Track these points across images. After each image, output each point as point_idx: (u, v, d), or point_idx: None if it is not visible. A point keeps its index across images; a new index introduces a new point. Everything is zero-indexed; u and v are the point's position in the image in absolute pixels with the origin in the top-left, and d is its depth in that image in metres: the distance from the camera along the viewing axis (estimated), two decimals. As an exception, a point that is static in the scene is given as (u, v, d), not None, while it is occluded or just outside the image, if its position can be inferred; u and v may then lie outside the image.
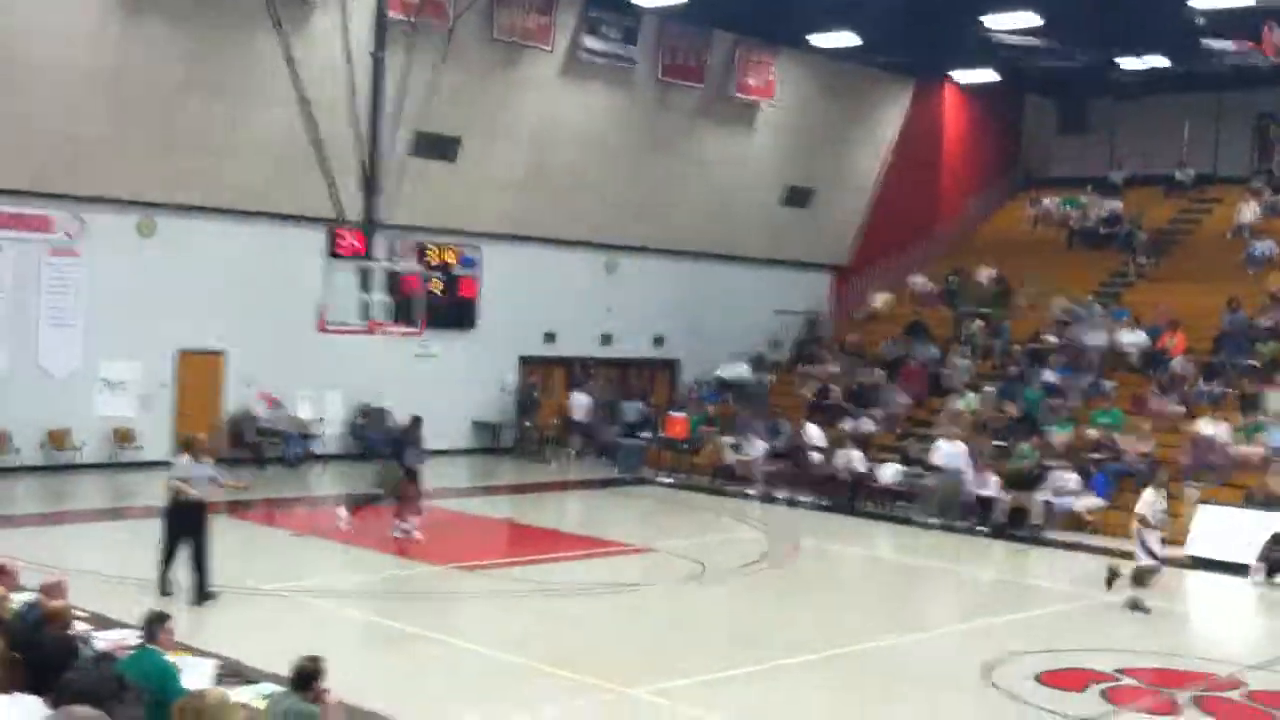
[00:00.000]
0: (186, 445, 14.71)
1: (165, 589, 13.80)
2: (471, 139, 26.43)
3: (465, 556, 17.62)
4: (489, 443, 28.39)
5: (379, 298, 23.88)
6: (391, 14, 24.27)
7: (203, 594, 13.79)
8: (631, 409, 28.94)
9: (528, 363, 29.14)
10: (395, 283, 24.63)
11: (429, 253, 26.82)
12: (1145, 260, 29.84)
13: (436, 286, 26.66)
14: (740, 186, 30.81)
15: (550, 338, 29.23)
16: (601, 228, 29.08)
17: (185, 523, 13.95)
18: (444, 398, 26.63)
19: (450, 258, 27.38)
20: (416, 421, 19.39)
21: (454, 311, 27.26)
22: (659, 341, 31.08)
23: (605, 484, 25.63)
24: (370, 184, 25.19)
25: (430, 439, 26.48)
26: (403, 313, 23.38)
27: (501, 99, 26.56)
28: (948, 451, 22.30)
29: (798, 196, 32.21)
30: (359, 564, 16.98)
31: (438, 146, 25.97)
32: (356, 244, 25.45)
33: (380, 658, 12.74)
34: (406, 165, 25.09)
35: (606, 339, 30.12)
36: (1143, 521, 15.65)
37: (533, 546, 19.37)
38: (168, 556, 13.98)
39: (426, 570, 16.64)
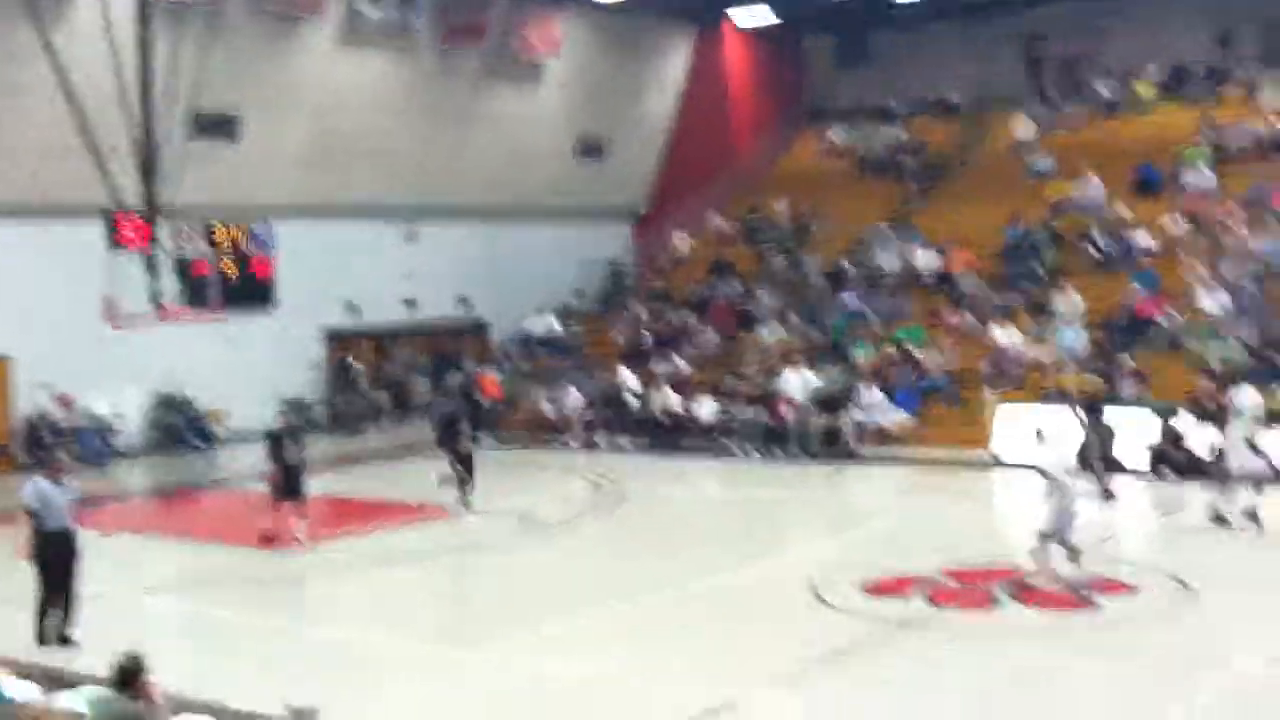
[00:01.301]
0: (43, 466, 12.77)
1: (44, 638, 11.91)
2: (253, 115, 25.65)
3: (289, 536, 17.19)
4: (300, 419, 27.70)
5: (169, 284, 23.15)
6: (156, -7, 23.41)
7: (65, 638, 11.96)
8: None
9: (334, 336, 28.58)
10: (185, 267, 23.91)
11: (217, 233, 25.99)
12: (921, 185, 30.72)
13: (229, 267, 25.87)
14: (533, 142, 30.65)
15: (353, 309, 28.68)
16: (396, 195, 28.57)
17: (57, 559, 12.00)
18: (249, 379, 25.98)
19: (240, 236, 26.56)
20: (291, 434, 17.27)
21: (251, 291, 26.47)
22: (464, 303, 30.80)
23: (424, 450, 25.30)
24: (148, 169, 24.27)
25: (240, 421, 26.11)
26: (196, 297, 22.71)
27: (280, 72, 25.85)
28: (795, 382, 22.60)
29: (591, 148, 32.21)
30: (177, 555, 16.45)
31: (218, 125, 25.12)
32: (139, 231, 24.61)
33: (209, 647, 12.37)
34: (187, 147, 24.29)
35: (411, 305, 29.71)
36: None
37: (359, 519, 19.01)
38: (44, 603, 11.98)
39: (251, 554, 16.21)
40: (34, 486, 12.09)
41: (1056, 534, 12.84)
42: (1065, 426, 19.05)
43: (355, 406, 28.19)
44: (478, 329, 31.22)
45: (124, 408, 25.10)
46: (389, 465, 23.99)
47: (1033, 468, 13.19)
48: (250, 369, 26.06)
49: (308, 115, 26.49)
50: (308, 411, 27.76)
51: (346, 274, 28.04)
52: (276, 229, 26.95)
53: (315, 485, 21.91)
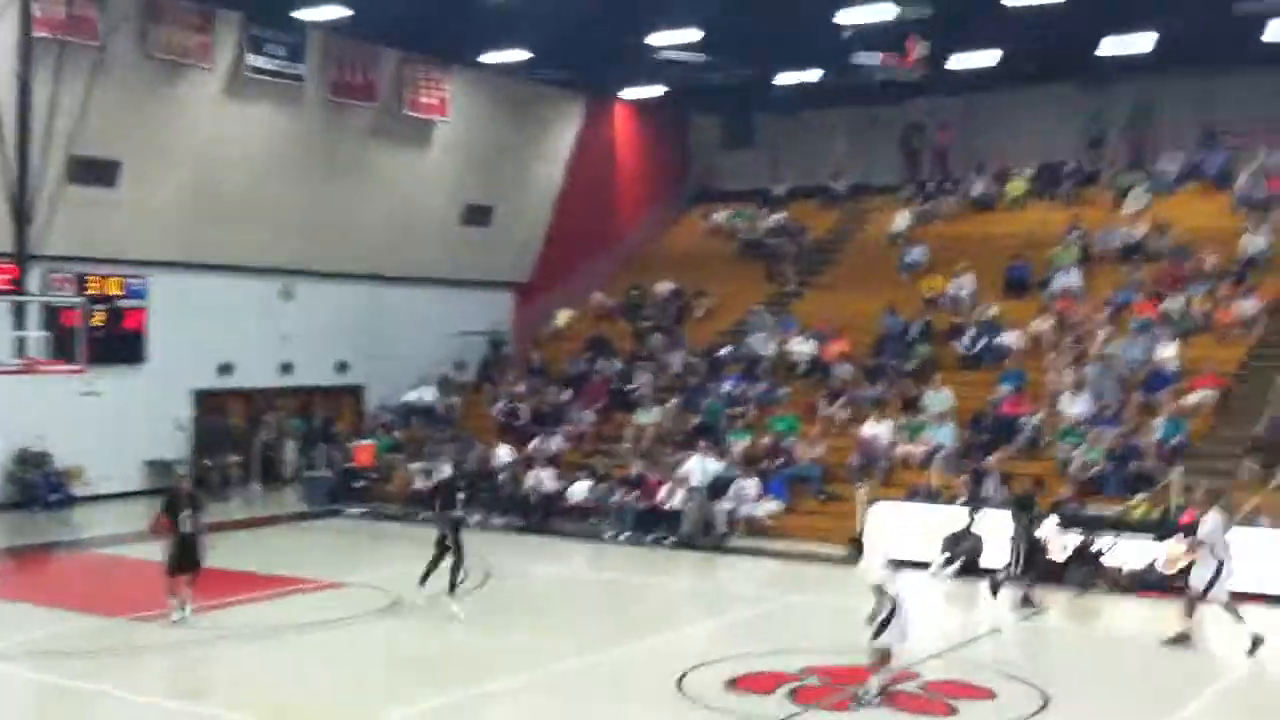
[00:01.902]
0: None
1: None
2: (133, 162, 25.23)
3: (142, 606, 16.72)
4: (163, 482, 27.00)
5: (35, 334, 22.54)
6: (37, 32, 23.00)
7: None
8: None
9: (204, 396, 27.96)
10: (53, 317, 23.30)
11: (90, 284, 25.42)
12: (797, 272, 31.24)
13: (99, 319, 25.29)
14: (418, 206, 30.57)
15: (227, 369, 28.12)
16: (275, 252, 28.20)
17: None
18: (113, 437, 25.36)
19: (114, 288, 26.01)
20: (189, 499, 16.22)
21: (121, 345, 25.91)
22: (342, 368, 30.40)
23: (292, 519, 24.89)
24: (21, 213, 23.77)
25: (98, 482, 25.39)
26: (63, 348, 22.10)
27: (163, 120, 25.48)
28: (696, 468, 22.60)
29: (477, 215, 32.20)
30: (18, 620, 15.86)
31: (96, 171, 24.69)
32: (7, 277, 23.96)
33: (57, 718, 11.95)
34: (62, 192, 23.80)
35: (287, 368, 29.24)
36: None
37: (216, 589, 18.49)
38: None
39: (97, 623, 15.71)
40: None
41: (893, 646, 12.66)
42: (910, 526, 19.48)
43: (224, 471, 27.56)
44: (354, 394, 30.83)
45: (-22, 461, 24.31)
46: (256, 533, 23.49)
47: (873, 587, 12.68)
48: (114, 426, 25.42)
49: (190, 165, 26.13)
50: (172, 474, 27.10)
51: (221, 332, 27.54)
52: (151, 282, 26.44)
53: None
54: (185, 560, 15.50)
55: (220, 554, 21.21)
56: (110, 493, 25.53)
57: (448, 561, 16.94)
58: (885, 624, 12.40)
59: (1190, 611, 15.03)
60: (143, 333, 26.47)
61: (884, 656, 12.55)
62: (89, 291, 25.25)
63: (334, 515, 25.12)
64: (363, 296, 30.24)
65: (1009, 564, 17.43)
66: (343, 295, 29.87)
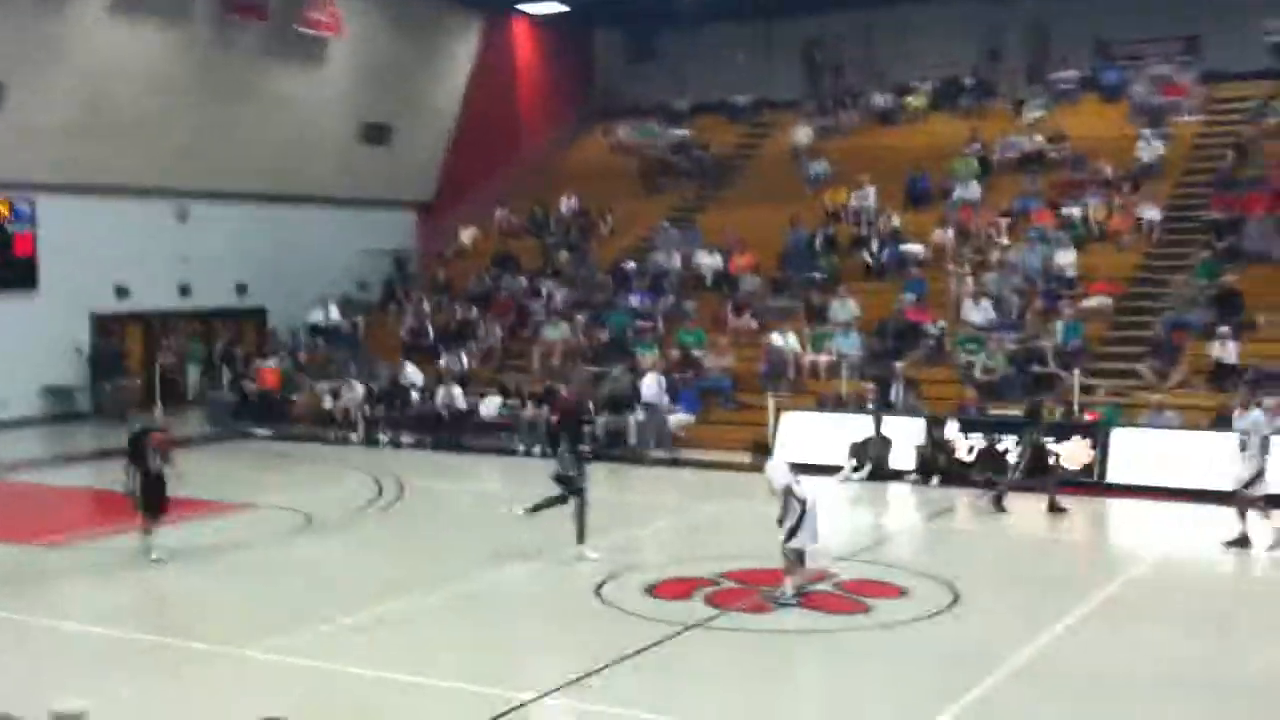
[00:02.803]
0: None
1: None
2: (17, 83, 24.38)
3: (49, 531, 16.44)
4: (64, 408, 26.52)
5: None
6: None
7: None
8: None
9: (102, 320, 27.35)
10: (-61, 244, 22.58)
11: (-28, 208, 24.66)
12: (704, 186, 31.29)
13: (-12, 244, 24.60)
14: (315, 125, 29.97)
15: (123, 293, 27.49)
16: (169, 173, 27.52)
17: None
18: (9, 363, 24.76)
19: (1, 212, 25.21)
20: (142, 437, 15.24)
21: (10, 270, 25.25)
22: (242, 290, 29.87)
23: (196, 442, 24.53)
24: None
25: (-3, 409, 24.83)
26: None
27: (47, 39, 24.63)
28: (649, 384, 22.51)
29: (376, 134, 31.66)
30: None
31: (-21, 92, 23.81)
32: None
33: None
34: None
35: (185, 291, 28.66)
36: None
37: (125, 515, 18.26)
38: None
39: (9, 549, 15.41)
40: None
41: (805, 548, 12.72)
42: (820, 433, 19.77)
43: (123, 395, 27.04)
44: (256, 316, 30.34)
45: None
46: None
47: (782, 490, 12.61)
48: (10, 353, 24.77)
49: (76, 85, 25.31)
50: (71, 400, 26.61)
51: (115, 255, 26.90)
52: (41, 205, 25.70)
53: (80, 478, 21.19)
54: (153, 499, 14.87)
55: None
56: (8, 419, 24.95)
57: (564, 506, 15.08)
58: (796, 527, 12.54)
59: (1243, 513, 15.07)
60: (33, 257, 25.74)
61: (798, 558, 12.73)
62: (-27, 216, 24.51)
63: (241, 438, 24.81)
64: (262, 218, 29.67)
65: (1012, 471, 17.70)
66: (241, 216, 29.28)
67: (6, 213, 25.35)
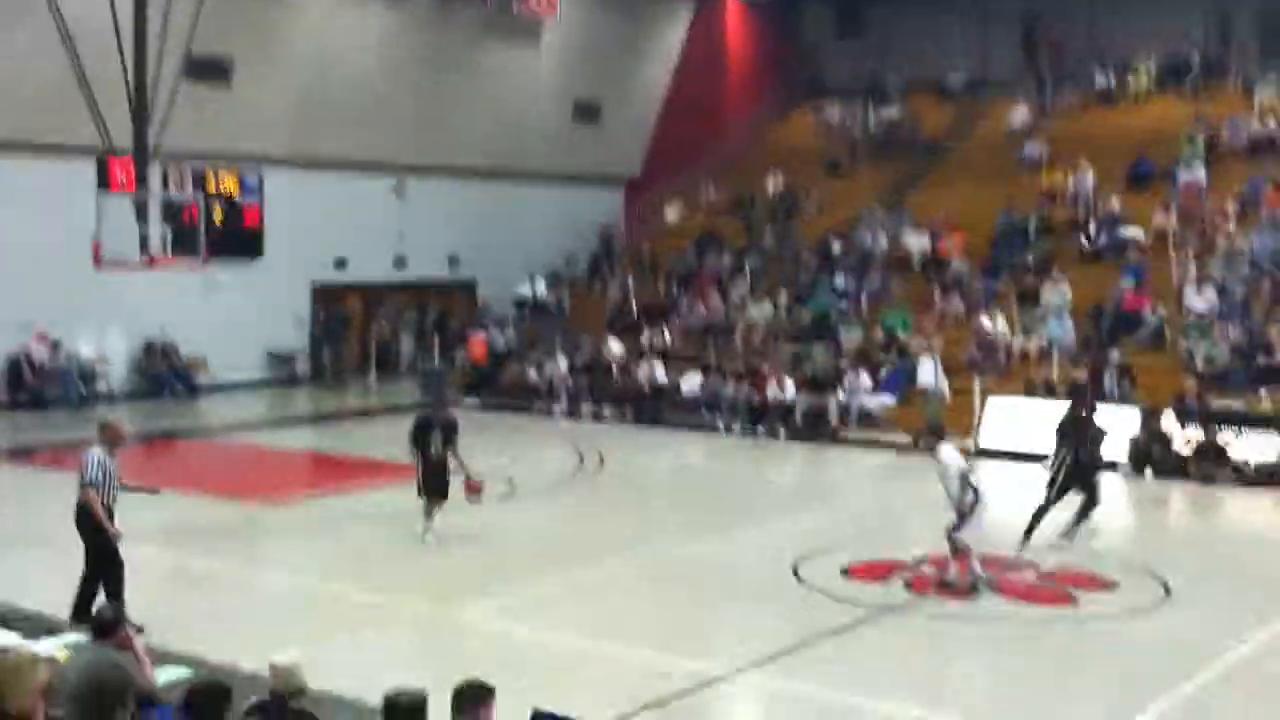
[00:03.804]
0: (105, 431, 11.16)
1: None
2: (245, 60, 25.47)
3: (270, 490, 17.21)
4: (284, 373, 27.72)
5: (157, 229, 22.94)
6: (153, -69, 23.12)
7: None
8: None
9: (321, 290, 28.46)
10: (174, 213, 23.70)
11: (208, 180, 25.84)
12: (915, 167, 30.71)
13: (218, 215, 25.71)
14: (528, 103, 30.51)
15: (342, 264, 28.55)
16: (388, 149, 28.42)
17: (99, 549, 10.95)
18: (235, 329, 25.98)
19: (231, 185, 26.41)
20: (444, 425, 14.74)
21: (239, 240, 26.37)
22: (454, 263, 30.69)
23: (408, 410, 25.27)
24: (139, 111, 24.06)
25: (222, 372, 26.09)
26: (184, 244, 22.49)
27: (274, 18, 25.67)
28: (925, 367, 21.93)
29: (586, 111, 32.07)
30: (159, 505, 16.36)
31: (210, 69, 24.90)
32: (128, 174, 24.39)
33: (189, 599, 12.36)
34: (179, 90, 24.07)
35: (400, 263, 29.58)
36: None
37: (339, 476, 19.03)
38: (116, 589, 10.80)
39: (233, 509, 16.19)
40: (95, 458, 10.82)
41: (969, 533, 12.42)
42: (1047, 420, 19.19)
43: (340, 362, 28.17)
44: (467, 289, 31.14)
45: (108, 352, 25.05)
46: (375, 422, 23.98)
47: (958, 476, 12.31)
48: (235, 319, 26.00)
49: (300, 63, 26.33)
50: (293, 365, 27.78)
51: (335, 228, 27.91)
52: (266, 178, 26.83)
53: (300, 439, 22.12)
54: (431, 484, 14.41)
55: (343, 441, 21.88)
56: (233, 382, 26.22)
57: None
58: (968, 516, 12.30)
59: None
60: (259, 228, 26.91)
61: (965, 551, 12.45)
62: (207, 187, 25.69)
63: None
64: (474, 192, 30.40)
65: None
66: (455, 191, 30.07)
67: (236, 186, 26.50)
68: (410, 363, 29.23)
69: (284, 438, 22.03)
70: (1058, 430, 14.90)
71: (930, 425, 13.37)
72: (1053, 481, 14.49)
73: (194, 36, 23.58)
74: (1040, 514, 14.25)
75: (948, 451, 12.63)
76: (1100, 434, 17.13)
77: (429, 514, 14.35)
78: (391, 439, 21.34)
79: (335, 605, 12.02)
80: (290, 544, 14.92)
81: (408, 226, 29.31)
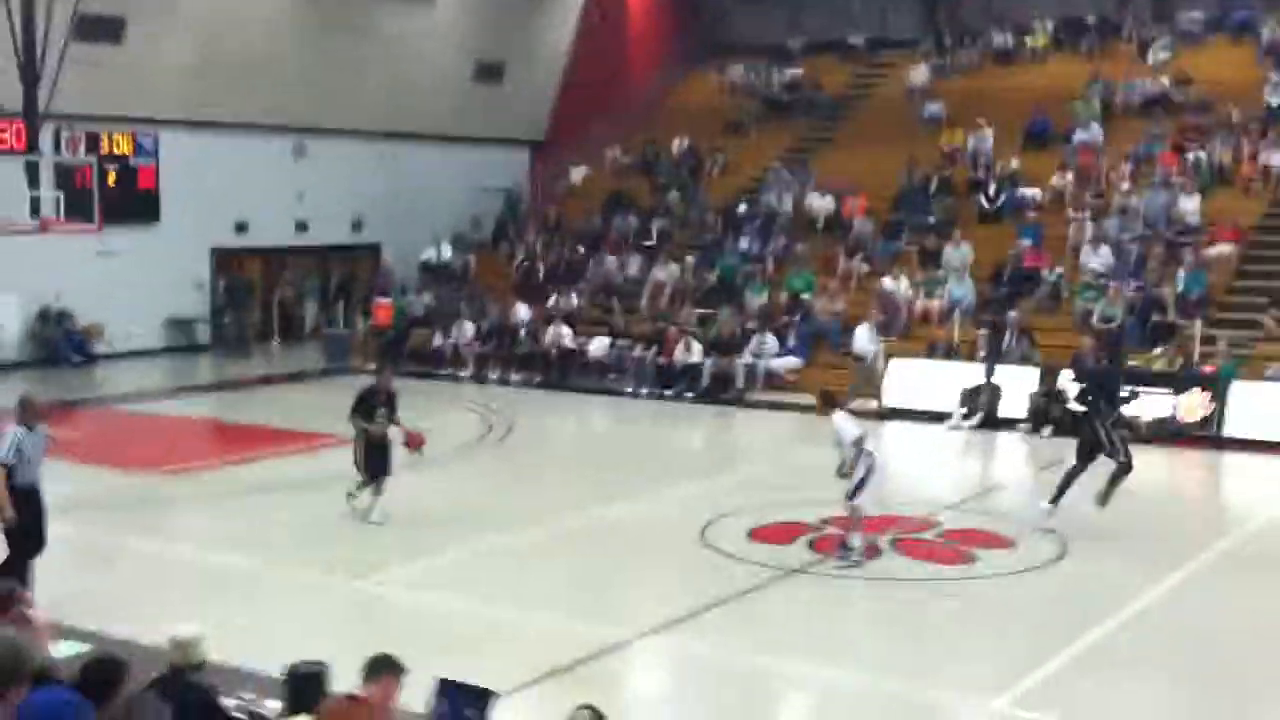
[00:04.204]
0: (25, 409, 10.87)
1: None
2: (138, 19, 24.86)
3: (173, 460, 16.95)
4: (185, 340, 27.25)
5: (49, 193, 22.39)
6: (39, -115, 22.44)
7: None
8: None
9: (221, 255, 27.97)
10: (66, 176, 23.13)
11: (101, 142, 25.20)
12: (817, 127, 30.93)
13: (112, 178, 25.18)
14: (429, 63, 30.12)
15: (242, 228, 28.05)
16: (286, 110, 27.88)
17: (31, 520, 10.73)
18: (133, 295, 25.45)
19: (125, 147, 25.75)
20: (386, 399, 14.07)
21: (135, 204, 25.80)
22: (357, 227, 30.30)
23: (312, 376, 25.07)
24: (29, 71, 23.43)
25: (120, 340, 25.59)
26: (77, 208, 21.98)
27: (167, -26, 25.05)
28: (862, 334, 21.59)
29: (489, 72, 31.77)
30: (56, 476, 16.07)
31: (102, 28, 24.27)
32: (18, 136, 23.73)
33: (89, 572, 12.18)
34: (69, 49, 23.45)
35: (302, 226, 29.15)
36: None
37: (243, 445, 18.79)
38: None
39: (134, 480, 15.93)
40: (12, 437, 10.52)
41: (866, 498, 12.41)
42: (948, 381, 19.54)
43: (243, 328, 27.75)
44: (371, 253, 30.78)
45: (0, 319, 24.45)
46: (279, 389, 23.70)
47: (853, 442, 12.27)
48: (133, 285, 25.48)
49: (195, 21, 25.70)
50: (193, 332, 27.32)
51: (235, 191, 27.39)
52: (162, 140, 26.23)
53: (202, 408, 21.79)
54: (378, 460, 13.77)
55: (245, 409, 21.60)
56: (132, 349, 25.74)
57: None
58: (864, 482, 12.29)
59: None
60: (156, 191, 26.34)
61: (858, 515, 12.45)
62: (100, 150, 25.09)
63: (350, 373, 25.24)
64: (377, 155, 29.96)
65: None
66: (356, 153, 29.62)
67: (131, 148, 25.88)
68: (314, 328, 28.87)
69: (186, 406, 21.69)
70: (1080, 394, 14.34)
71: (825, 391, 13.38)
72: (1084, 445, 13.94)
73: (85, -7, 23.05)
74: (1071, 478, 13.86)
75: (842, 419, 12.62)
76: (998, 392, 17.41)
77: (377, 491, 13.70)
78: (296, 406, 21.22)
79: (237, 577, 11.90)
80: (192, 515, 14.74)
81: (309, 189, 28.86)
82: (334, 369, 25.42)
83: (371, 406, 13.84)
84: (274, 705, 7.16)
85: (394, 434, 13.98)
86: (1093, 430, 13.80)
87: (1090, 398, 14.09)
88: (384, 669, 6.39)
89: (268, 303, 28.87)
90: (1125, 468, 13.62)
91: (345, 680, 6.44)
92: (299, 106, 27.96)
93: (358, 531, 13.62)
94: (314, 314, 29.44)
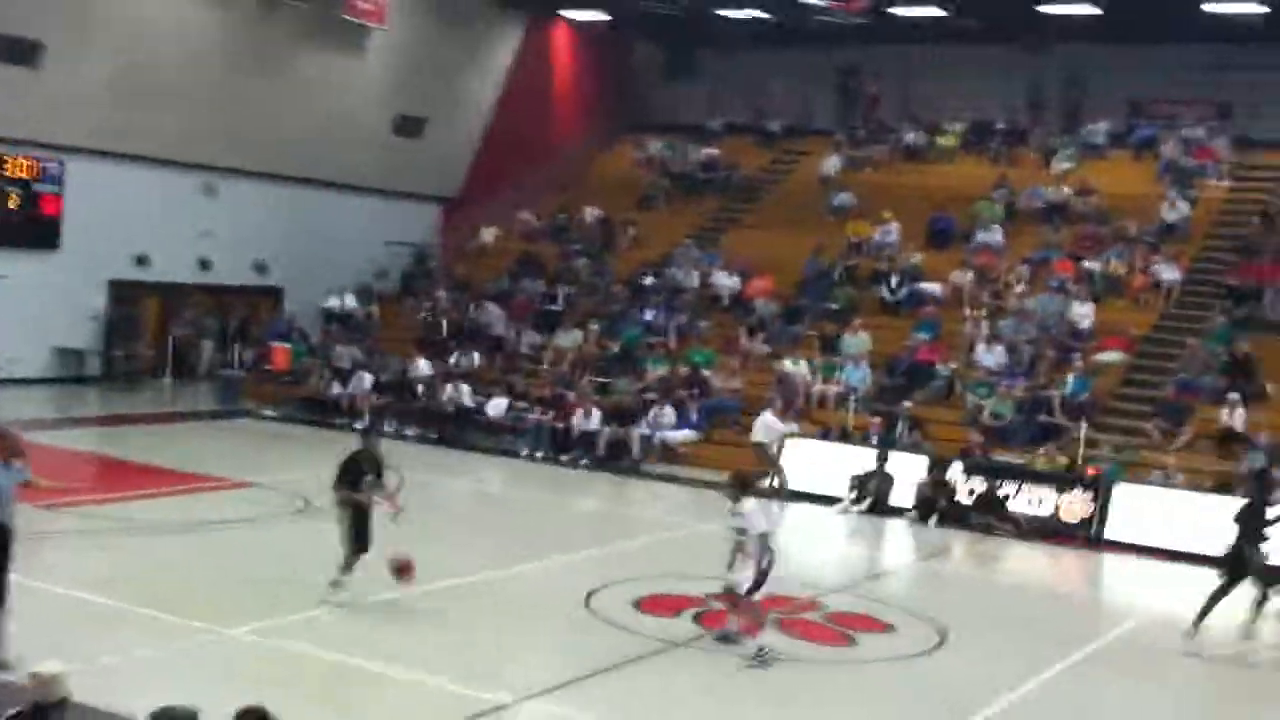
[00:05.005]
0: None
1: None
2: (56, 44, 24.54)
3: (50, 494, 16.47)
4: (73, 371, 26.65)
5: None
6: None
7: None
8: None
9: (119, 287, 27.47)
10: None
11: (5, 165, 24.80)
12: (729, 207, 31.39)
13: (13, 202, 24.79)
14: (350, 112, 30.08)
15: (143, 261, 27.60)
16: (199, 147, 27.64)
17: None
18: (25, 322, 24.88)
19: (28, 171, 25.35)
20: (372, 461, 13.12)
21: (33, 230, 25.36)
22: (261, 269, 29.97)
23: (203, 416, 24.67)
24: (-63, 89, 23.05)
25: (8, 367, 24.95)
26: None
27: (91, 2, 24.76)
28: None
29: (409, 125, 31.79)
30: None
31: (17, 50, 23.99)
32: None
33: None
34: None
35: (205, 265, 28.76)
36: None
37: (126, 482, 18.38)
38: None
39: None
40: None
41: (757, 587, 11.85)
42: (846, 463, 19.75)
43: (135, 363, 27.23)
44: (272, 296, 30.45)
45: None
46: (168, 429, 23.25)
47: (755, 532, 11.69)
48: (23, 312, 24.90)
49: (115, 51, 25.45)
50: (81, 363, 26.75)
51: (139, 224, 27.02)
52: (69, 168, 25.84)
53: (84, 441, 21.29)
54: (362, 534, 12.60)
55: (133, 447, 21.13)
56: (20, 378, 25.10)
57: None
58: (764, 577, 11.77)
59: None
60: (58, 219, 25.88)
61: (756, 609, 11.92)
62: (4, 173, 24.69)
63: (243, 415, 24.92)
64: (287, 199, 29.77)
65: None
66: (267, 196, 29.38)
67: (34, 172, 25.45)
68: (209, 369, 28.41)
69: (68, 438, 21.16)
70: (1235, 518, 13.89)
71: (737, 475, 12.46)
72: (1228, 569, 13.73)
73: (2, 16, 22.76)
74: (1215, 600, 13.53)
75: (754, 508, 12.01)
76: (889, 480, 17.58)
77: (349, 568, 12.46)
78: (184, 446, 20.81)
79: (108, 617, 11.60)
80: (64, 552, 14.33)
81: (216, 228, 28.53)
82: (226, 411, 25.04)
83: (359, 474, 12.65)
84: (138, 750, 6.98)
85: (378, 508, 12.82)
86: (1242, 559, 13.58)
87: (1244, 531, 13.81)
88: (253, 720, 6.27)
89: (163, 339, 28.36)
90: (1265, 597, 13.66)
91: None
92: (213, 144, 27.73)
93: (236, 577, 13.38)
94: (210, 353, 28.95)
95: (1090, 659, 12.94)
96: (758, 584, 11.79)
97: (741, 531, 11.85)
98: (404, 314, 29.05)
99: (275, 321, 29.04)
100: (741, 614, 12.03)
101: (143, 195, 26.92)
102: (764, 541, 11.84)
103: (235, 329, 29.32)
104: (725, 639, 12.08)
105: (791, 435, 20.62)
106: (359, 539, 12.55)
